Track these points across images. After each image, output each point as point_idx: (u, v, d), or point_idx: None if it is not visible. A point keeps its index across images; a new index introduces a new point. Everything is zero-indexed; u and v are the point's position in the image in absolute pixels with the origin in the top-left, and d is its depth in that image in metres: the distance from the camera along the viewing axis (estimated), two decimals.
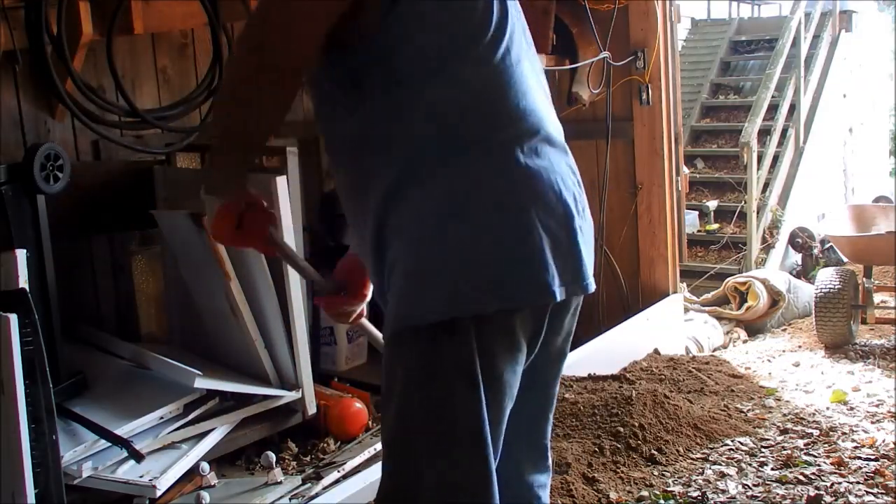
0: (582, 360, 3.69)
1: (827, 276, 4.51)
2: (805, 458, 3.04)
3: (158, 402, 2.88)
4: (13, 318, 2.37)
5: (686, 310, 4.94)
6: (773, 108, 7.10)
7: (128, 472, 2.68)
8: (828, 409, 3.41)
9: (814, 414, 3.48)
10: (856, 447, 3.03)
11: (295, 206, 3.17)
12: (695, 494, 2.81)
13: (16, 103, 3.20)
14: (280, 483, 2.92)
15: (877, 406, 3.43)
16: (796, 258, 6.74)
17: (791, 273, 6.23)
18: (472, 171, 1.39)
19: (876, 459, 2.91)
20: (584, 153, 4.45)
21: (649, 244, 4.58)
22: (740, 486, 2.78)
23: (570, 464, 2.82)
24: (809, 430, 3.30)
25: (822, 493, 2.70)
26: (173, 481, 2.72)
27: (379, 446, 3.19)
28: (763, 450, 3.14)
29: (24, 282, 2.58)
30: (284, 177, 3.11)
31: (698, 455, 3.08)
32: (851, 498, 2.68)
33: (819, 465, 2.84)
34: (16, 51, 2.91)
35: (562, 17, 4.14)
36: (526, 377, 1.49)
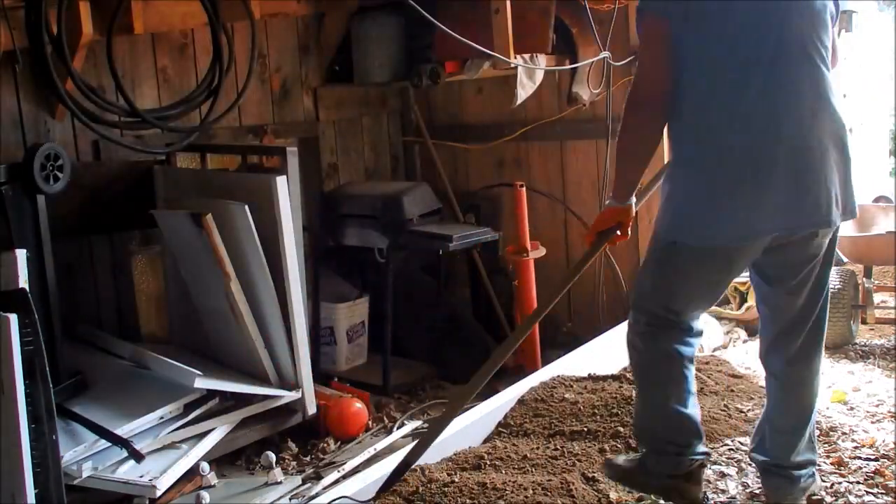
0: (582, 361, 3.69)
1: None
2: None
3: (158, 402, 2.89)
4: (13, 318, 2.37)
5: None
6: None
7: (128, 472, 2.68)
8: (828, 409, 3.40)
9: None
10: (856, 447, 3.03)
11: (295, 206, 3.18)
12: None
13: (16, 103, 3.21)
14: (280, 483, 2.92)
15: (877, 406, 3.42)
16: None
17: None
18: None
19: (876, 459, 2.91)
20: (584, 153, 4.45)
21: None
22: (740, 486, 2.78)
23: (574, 463, 2.82)
24: None
25: (822, 493, 2.70)
26: (173, 481, 2.72)
27: (378, 447, 3.20)
28: None
29: (24, 282, 2.58)
30: (284, 177, 3.12)
31: None
32: (851, 498, 2.68)
33: (819, 465, 2.83)
34: (16, 51, 2.91)
35: (562, 17, 4.13)
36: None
